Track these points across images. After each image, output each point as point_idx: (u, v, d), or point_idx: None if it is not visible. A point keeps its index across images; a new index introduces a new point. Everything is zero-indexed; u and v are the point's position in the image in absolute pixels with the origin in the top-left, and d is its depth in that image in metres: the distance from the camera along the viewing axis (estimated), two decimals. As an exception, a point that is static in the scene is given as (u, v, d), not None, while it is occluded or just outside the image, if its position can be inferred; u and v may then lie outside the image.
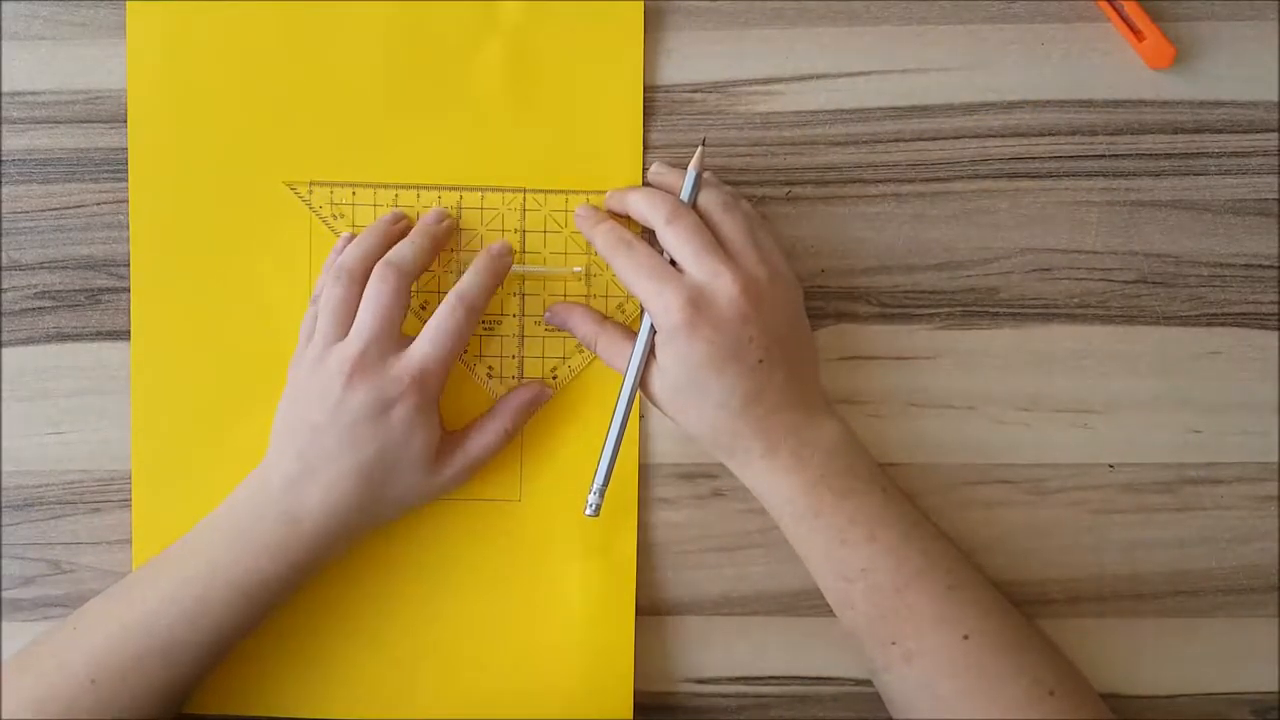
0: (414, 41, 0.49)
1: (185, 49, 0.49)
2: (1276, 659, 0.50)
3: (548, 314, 0.49)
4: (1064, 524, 0.50)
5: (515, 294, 0.50)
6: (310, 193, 0.49)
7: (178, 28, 0.49)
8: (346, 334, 0.44)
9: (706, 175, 0.46)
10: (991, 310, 0.50)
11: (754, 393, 0.44)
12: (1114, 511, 0.50)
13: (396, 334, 0.44)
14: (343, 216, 0.49)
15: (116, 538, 0.50)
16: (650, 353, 0.45)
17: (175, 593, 0.43)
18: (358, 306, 0.44)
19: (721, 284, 0.43)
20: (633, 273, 0.44)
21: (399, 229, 0.47)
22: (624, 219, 0.48)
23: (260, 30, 0.49)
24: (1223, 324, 0.50)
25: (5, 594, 0.50)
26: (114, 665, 0.42)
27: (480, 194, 0.49)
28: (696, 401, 0.44)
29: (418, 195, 0.49)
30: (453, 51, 0.49)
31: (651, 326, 0.45)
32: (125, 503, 0.50)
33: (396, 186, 0.49)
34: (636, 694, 0.49)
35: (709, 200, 0.45)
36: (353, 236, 0.48)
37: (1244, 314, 0.50)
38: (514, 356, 0.50)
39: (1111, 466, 0.50)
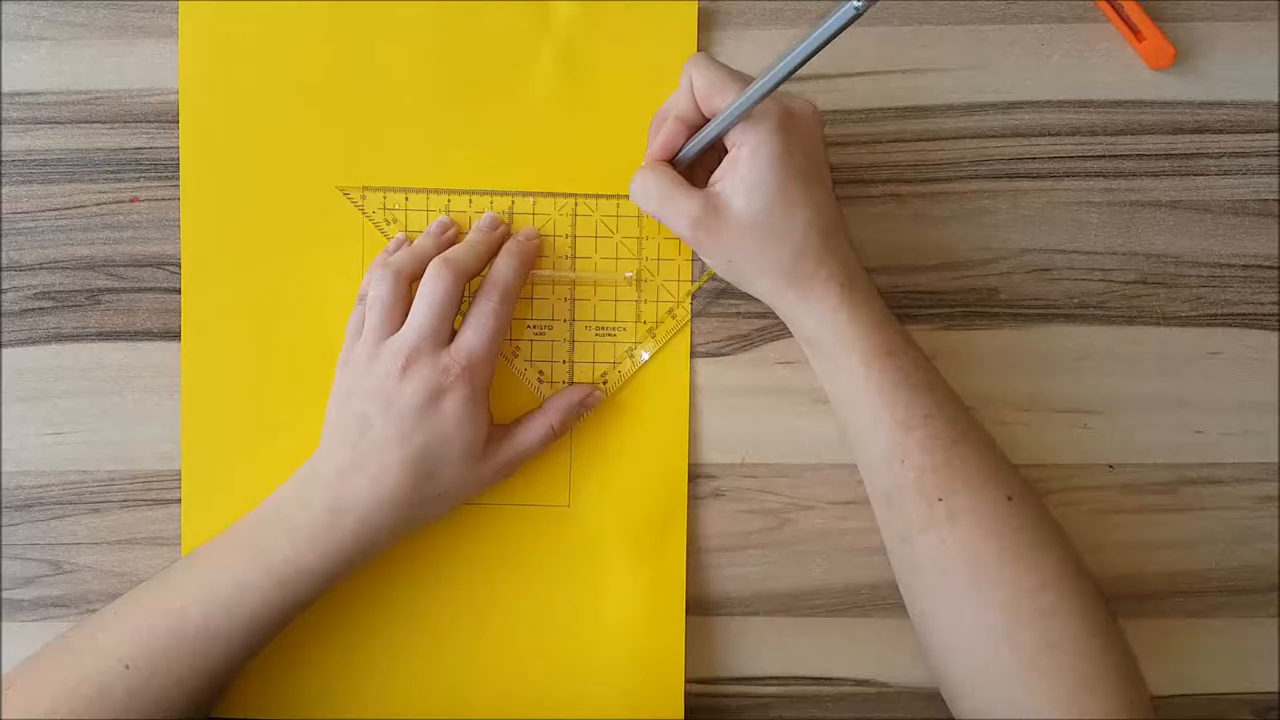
0: (466, 44, 0.49)
1: (237, 51, 0.49)
2: (1276, 659, 0.50)
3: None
4: (1064, 524, 0.50)
5: (566, 299, 0.50)
6: (363, 198, 0.49)
7: (230, 29, 0.49)
8: (396, 330, 0.45)
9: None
10: (991, 310, 0.50)
11: (836, 217, 0.44)
12: (1114, 511, 0.50)
13: (448, 330, 0.45)
14: (395, 221, 0.49)
15: (116, 538, 0.50)
16: (730, 171, 0.43)
17: (213, 580, 0.43)
18: (407, 305, 0.45)
19: (801, 104, 0.44)
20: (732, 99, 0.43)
21: (448, 237, 0.49)
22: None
23: (311, 32, 0.49)
24: (1223, 324, 0.50)
25: (5, 594, 0.50)
26: (147, 651, 0.42)
27: (531, 199, 0.50)
28: (784, 219, 0.42)
29: (470, 201, 0.50)
30: (505, 54, 0.49)
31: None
32: (125, 503, 0.50)
33: (449, 192, 0.50)
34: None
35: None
36: (406, 238, 0.49)
37: (1244, 314, 0.50)
38: (565, 361, 0.50)
39: (1111, 467, 0.50)
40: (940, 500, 0.42)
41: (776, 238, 0.43)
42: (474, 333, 0.45)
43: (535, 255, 0.49)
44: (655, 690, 0.49)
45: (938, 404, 0.43)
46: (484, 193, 0.50)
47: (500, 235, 0.49)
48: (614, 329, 0.50)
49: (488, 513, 0.49)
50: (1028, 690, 0.40)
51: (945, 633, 0.42)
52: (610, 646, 0.49)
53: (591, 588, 0.49)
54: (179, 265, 0.50)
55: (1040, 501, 0.44)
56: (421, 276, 0.45)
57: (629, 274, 0.50)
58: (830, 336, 0.44)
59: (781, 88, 0.41)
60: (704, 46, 0.50)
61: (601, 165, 0.49)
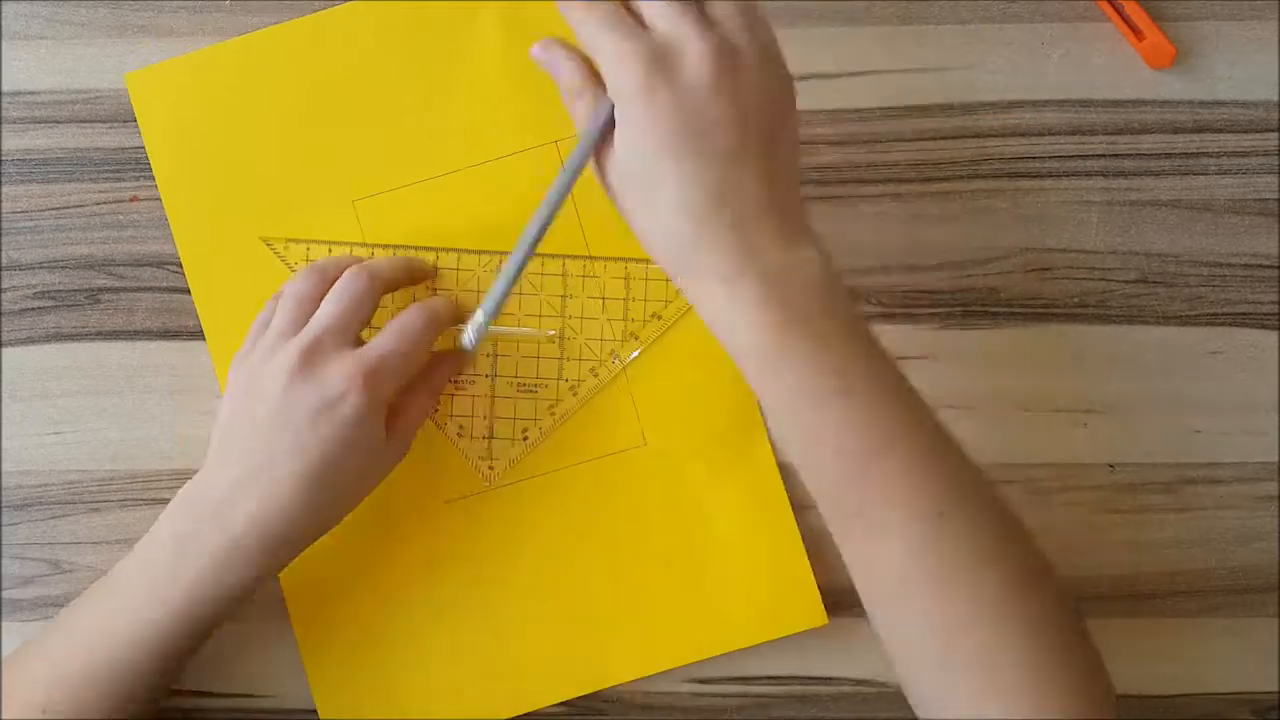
0: (405, 49, 0.50)
1: (195, 105, 0.49)
2: (1276, 659, 0.50)
3: (535, 48, 0.40)
4: (1064, 524, 0.50)
5: (488, 355, 0.49)
6: (286, 249, 0.49)
7: (179, 89, 0.49)
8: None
9: None
10: (991, 310, 0.50)
11: (719, 192, 0.36)
12: (1114, 511, 0.50)
13: (353, 335, 0.42)
14: None
15: (116, 538, 0.50)
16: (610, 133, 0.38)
17: (119, 611, 0.42)
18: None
19: (690, 46, 0.35)
20: (591, 27, 0.37)
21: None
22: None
23: (260, 70, 0.50)
24: (1223, 324, 0.50)
25: (5, 594, 0.50)
26: (63, 690, 0.41)
27: (456, 255, 0.49)
28: (648, 196, 0.37)
29: (393, 254, 0.49)
30: (451, 45, 0.50)
31: (611, 107, 0.37)
32: (125, 503, 0.50)
33: (373, 245, 0.49)
34: (637, 694, 0.49)
35: None
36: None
37: (1244, 314, 0.50)
38: (484, 416, 0.49)
39: (1111, 466, 0.50)
40: (857, 515, 0.37)
41: (642, 219, 0.37)
42: (388, 340, 0.42)
43: (456, 312, 0.47)
44: (788, 595, 0.48)
45: (853, 412, 0.36)
46: (407, 247, 0.49)
47: (423, 266, 0.48)
48: (535, 385, 0.49)
49: (566, 477, 0.49)
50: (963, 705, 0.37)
51: (883, 631, 0.39)
52: (729, 564, 0.48)
53: (693, 513, 0.49)
54: (179, 264, 0.50)
55: (990, 500, 0.38)
56: None
57: (551, 332, 0.49)
58: (718, 332, 0.37)
59: (687, 13, 0.36)
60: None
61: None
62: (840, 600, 0.50)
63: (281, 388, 0.41)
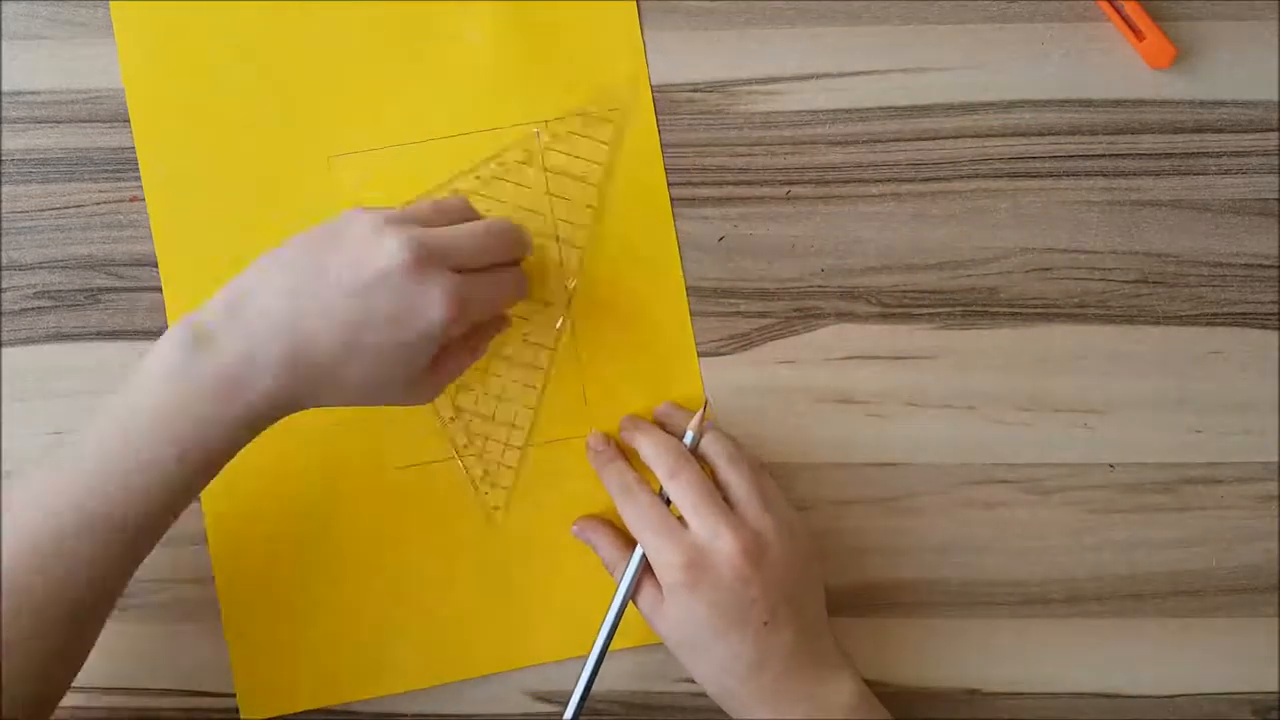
0: (403, 36, 0.50)
1: (175, 42, 0.49)
2: (1276, 659, 0.50)
3: (575, 528, 0.49)
4: (1064, 524, 0.50)
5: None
6: None
7: (163, 22, 0.49)
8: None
9: (712, 427, 0.47)
10: (991, 310, 0.50)
11: (759, 658, 0.42)
12: (1114, 511, 0.50)
13: (464, 268, 0.41)
14: None
15: (116, 537, 0.50)
16: (660, 592, 0.44)
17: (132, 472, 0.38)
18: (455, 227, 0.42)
19: (721, 544, 0.42)
20: (636, 523, 0.44)
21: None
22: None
23: (248, 22, 0.49)
24: (1223, 324, 0.50)
25: (5, 594, 0.50)
26: (45, 543, 0.37)
27: None
28: (701, 659, 0.43)
29: None
30: (439, 25, 0.50)
31: (637, 569, 0.45)
32: (125, 502, 0.50)
33: None
34: (636, 694, 0.50)
35: (714, 451, 0.46)
36: None
37: (1244, 314, 0.50)
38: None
39: (1112, 466, 0.50)
40: None
41: (697, 673, 0.44)
42: (485, 284, 0.42)
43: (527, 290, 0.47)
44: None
45: None
46: None
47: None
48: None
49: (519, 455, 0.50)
50: None
51: None
52: None
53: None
54: (179, 265, 0.50)
55: None
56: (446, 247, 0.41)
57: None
58: None
59: (713, 511, 0.43)
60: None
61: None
62: (843, 602, 0.50)
63: (384, 266, 0.39)
